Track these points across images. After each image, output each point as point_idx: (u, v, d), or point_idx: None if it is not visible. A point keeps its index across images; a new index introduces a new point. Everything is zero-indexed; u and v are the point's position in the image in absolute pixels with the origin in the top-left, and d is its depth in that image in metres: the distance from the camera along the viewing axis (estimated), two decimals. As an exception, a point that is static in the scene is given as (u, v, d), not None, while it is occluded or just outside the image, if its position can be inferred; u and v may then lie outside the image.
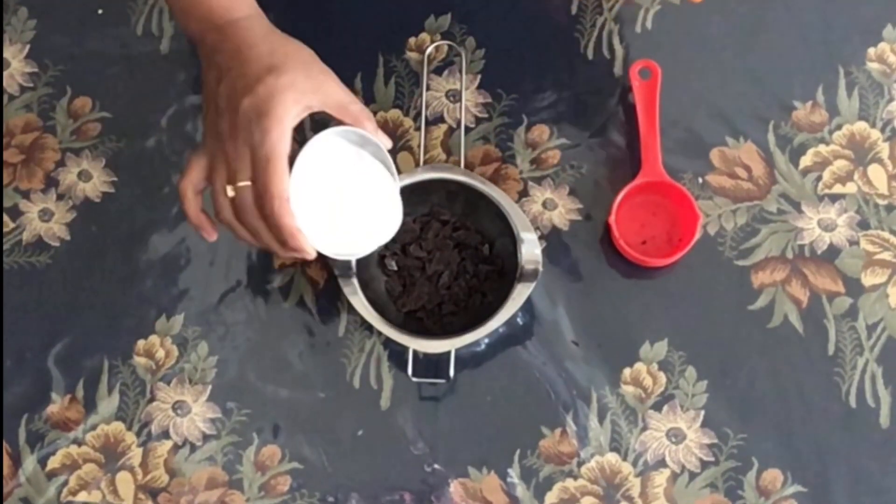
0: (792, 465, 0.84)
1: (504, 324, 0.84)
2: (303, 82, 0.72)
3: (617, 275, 0.90)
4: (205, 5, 0.77)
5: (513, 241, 0.86)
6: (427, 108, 0.95)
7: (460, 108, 0.94)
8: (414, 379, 0.86)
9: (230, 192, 0.72)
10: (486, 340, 0.88)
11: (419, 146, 0.93)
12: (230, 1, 0.77)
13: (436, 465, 0.86)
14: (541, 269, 0.85)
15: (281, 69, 0.71)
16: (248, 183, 0.71)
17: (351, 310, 0.88)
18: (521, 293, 0.84)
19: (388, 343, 0.88)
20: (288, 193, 0.71)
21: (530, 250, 0.85)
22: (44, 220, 0.93)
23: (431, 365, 0.87)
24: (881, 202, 0.91)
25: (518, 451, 0.86)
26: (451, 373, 0.85)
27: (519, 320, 0.88)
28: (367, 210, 0.77)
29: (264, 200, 0.71)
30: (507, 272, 0.88)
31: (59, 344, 0.90)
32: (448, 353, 0.85)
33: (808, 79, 0.94)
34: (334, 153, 0.75)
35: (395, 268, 0.90)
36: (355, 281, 0.86)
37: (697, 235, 0.88)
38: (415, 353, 0.86)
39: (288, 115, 0.70)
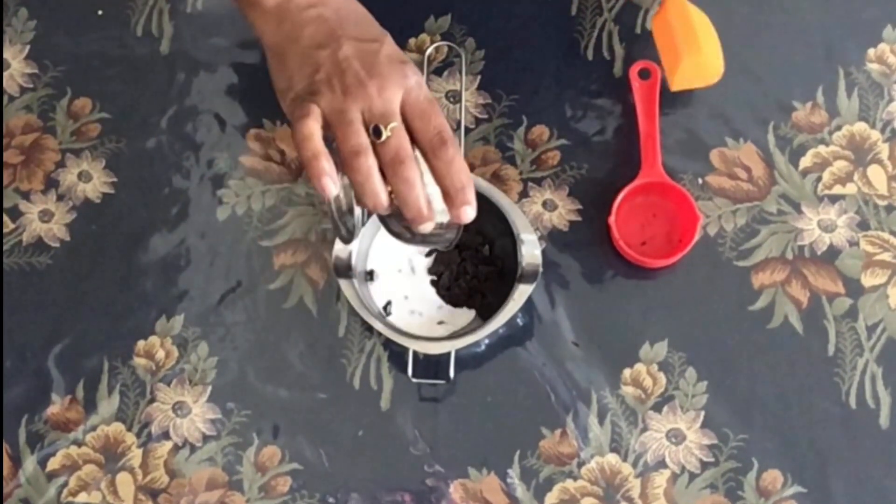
0: (792, 465, 0.84)
1: (504, 324, 0.84)
2: None
3: (617, 275, 0.90)
4: None
5: (513, 242, 0.86)
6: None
7: (460, 108, 0.94)
8: (414, 380, 0.86)
9: (387, 133, 0.69)
10: (486, 341, 0.88)
11: (419, 147, 0.93)
12: None
13: (436, 466, 0.86)
14: (541, 269, 0.85)
15: (383, 30, 0.76)
16: (399, 123, 0.70)
17: (351, 310, 0.88)
18: (521, 294, 0.84)
19: (388, 343, 0.88)
20: None
21: (530, 251, 0.85)
22: (44, 221, 0.93)
23: (431, 365, 0.87)
24: (881, 203, 0.91)
25: (518, 452, 0.86)
26: (451, 373, 0.85)
27: (519, 321, 0.88)
28: None
29: (444, 139, 0.69)
30: (507, 273, 0.88)
31: (59, 344, 0.90)
32: (448, 353, 0.85)
33: (808, 79, 0.95)
34: None
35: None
36: (355, 282, 0.86)
37: (697, 236, 0.88)
38: (415, 353, 0.86)
39: None
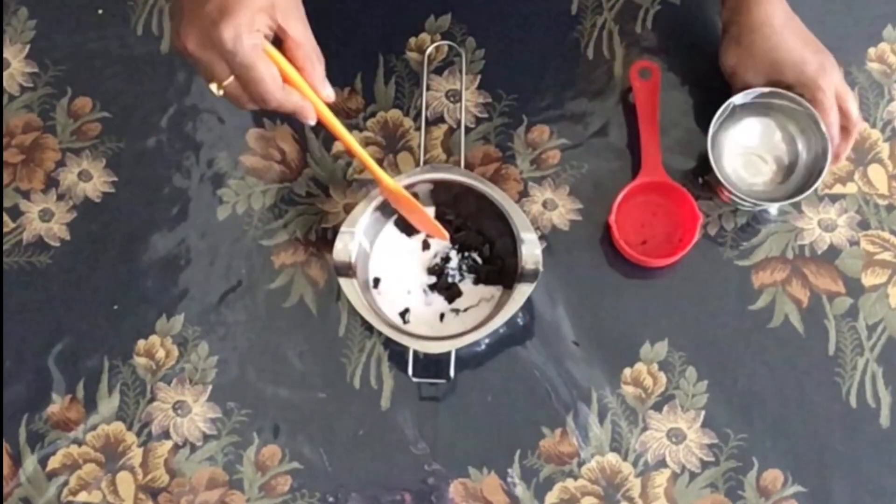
0: (792, 465, 0.84)
1: (504, 324, 0.84)
2: None
3: (617, 275, 0.90)
4: None
5: (513, 242, 0.86)
6: (427, 108, 0.95)
7: (460, 108, 0.94)
8: (414, 379, 0.86)
9: (218, 92, 0.73)
10: (487, 340, 0.88)
11: (419, 146, 0.93)
12: None
13: (436, 465, 0.86)
14: (541, 269, 0.85)
15: None
16: (232, 79, 0.73)
17: (351, 310, 0.88)
18: (521, 293, 0.84)
19: (388, 343, 0.88)
20: (278, 78, 0.73)
21: (530, 251, 0.85)
22: (44, 220, 0.93)
23: (431, 365, 0.87)
24: (881, 202, 0.91)
25: (518, 452, 0.86)
26: (452, 373, 0.85)
27: (519, 320, 0.88)
28: None
29: (266, 103, 0.73)
30: (507, 272, 0.88)
31: (59, 344, 0.90)
32: (448, 353, 0.85)
33: (809, 79, 0.95)
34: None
35: None
36: (355, 282, 0.86)
37: (697, 236, 0.88)
38: (415, 353, 0.86)
39: (267, 10, 0.72)
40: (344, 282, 0.86)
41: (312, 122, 0.77)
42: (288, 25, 0.73)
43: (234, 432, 0.87)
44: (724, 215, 0.91)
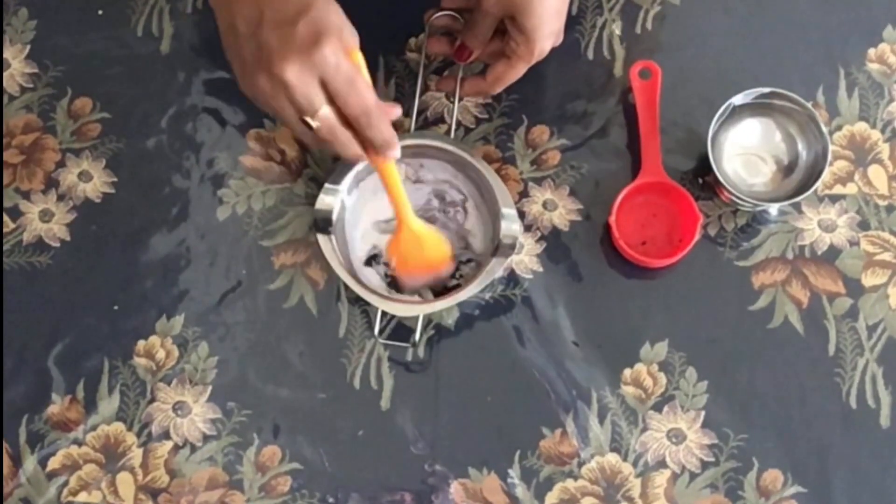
0: (792, 465, 0.84)
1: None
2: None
3: (617, 275, 0.90)
4: None
5: (493, 218, 0.87)
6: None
7: (457, 108, 0.94)
8: (381, 340, 0.87)
9: (315, 123, 0.73)
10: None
11: (419, 146, 0.93)
12: None
13: (436, 466, 0.86)
14: (519, 244, 0.85)
15: None
16: (328, 108, 0.73)
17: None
18: (495, 266, 0.85)
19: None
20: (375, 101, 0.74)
21: (509, 225, 0.86)
22: (44, 221, 0.93)
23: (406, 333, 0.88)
24: (881, 203, 0.91)
25: (518, 452, 0.86)
26: (417, 337, 0.86)
27: (519, 320, 0.88)
28: None
29: (367, 113, 0.73)
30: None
31: (59, 344, 0.90)
32: (430, 335, 0.87)
33: (808, 79, 0.94)
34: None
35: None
36: (333, 238, 0.86)
37: (697, 236, 0.88)
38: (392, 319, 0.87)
39: (345, 29, 0.72)
40: (322, 238, 0.86)
41: (398, 156, 0.78)
42: (349, 44, 0.74)
43: (234, 433, 0.87)
44: (724, 215, 0.91)
